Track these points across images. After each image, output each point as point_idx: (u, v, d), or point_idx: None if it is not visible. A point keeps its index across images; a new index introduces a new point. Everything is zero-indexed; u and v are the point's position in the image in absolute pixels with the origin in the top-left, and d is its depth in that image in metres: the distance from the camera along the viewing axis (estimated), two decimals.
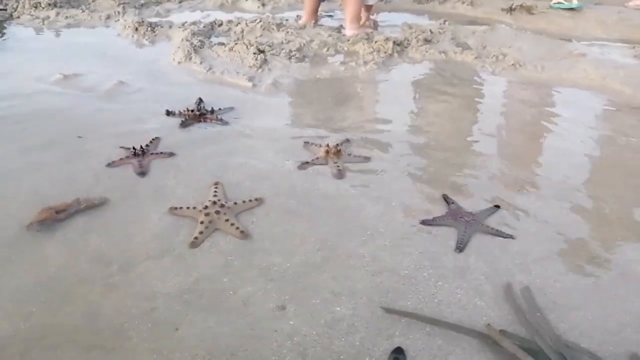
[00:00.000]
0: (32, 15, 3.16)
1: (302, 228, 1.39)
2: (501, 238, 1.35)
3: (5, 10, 3.25)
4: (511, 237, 1.35)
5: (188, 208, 1.44)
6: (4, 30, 2.98)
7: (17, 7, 3.25)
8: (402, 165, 1.68)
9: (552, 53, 2.45)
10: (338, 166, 1.64)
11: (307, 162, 1.67)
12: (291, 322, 1.11)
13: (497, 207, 1.46)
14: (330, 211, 1.46)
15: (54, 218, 1.43)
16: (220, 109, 1.99)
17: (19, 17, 3.16)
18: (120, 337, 1.08)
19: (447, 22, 2.87)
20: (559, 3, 3.42)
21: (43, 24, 3.07)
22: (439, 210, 1.45)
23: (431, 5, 3.36)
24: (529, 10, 3.05)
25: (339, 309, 1.14)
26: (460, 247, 1.31)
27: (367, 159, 1.70)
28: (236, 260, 1.28)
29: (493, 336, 1.05)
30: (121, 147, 1.74)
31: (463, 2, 3.29)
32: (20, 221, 1.39)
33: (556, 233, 1.38)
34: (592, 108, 2.06)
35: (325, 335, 1.08)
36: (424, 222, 1.41)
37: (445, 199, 1.49)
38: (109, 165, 1.66)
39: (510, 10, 3.09)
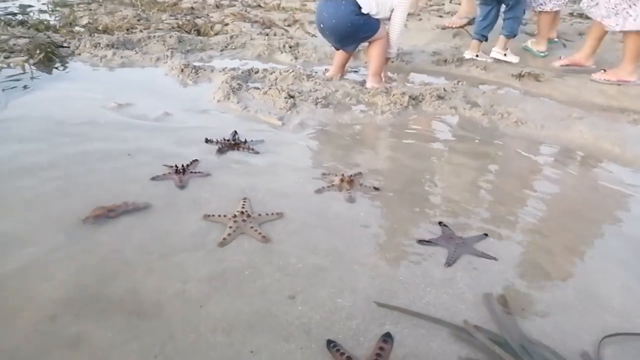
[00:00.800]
0: (91, 53, 3.57)
1: (316, 238, 1.62)
2: (485, 259, 1.55)
3: (68, 47, 3.69)
4: (494, 258, 1.56)
5: (219, 216, 1.69)
6: (67, 64, 3.38)
7: (79, 45, 3.68)
8: (407, 196, 1.91)
9: (552, 115, 2.71)
10: (350, 193, 1.88)
11: (324, 188, 1.92)
12: (299, 308, 1.32)
13: (486, 235, 1.68)
14: (341, 227, 1.69)
15: (106, 215, 1.70)
16: (252, 140, 2.28)
17: (80, 54, 3.57)
18: (156, 308, 1.31)
19: (460, 83, 3.17)
20: (527, 46, 3.95)
21: (101, 61, 3.47)
22: (435, 234, 1.67)
23: (448, 68, 3.68)
24: (536, 77, 3.34)
25: (340, 301, 1.35)
26: (449, 263, 1.52)
27: (376, 189, 1.94)
28: (257, 258, 1.51)
29: (468, 329, 1.25)
30: (165, 165, 2.02)
31: (477, 67, 3.60)
32: (78, 216, 1.66)
33: (531, 258, 1.58)
34: (581, 162, 2.29)
35: (327, 319, 1.29)
36: (420, 242, 1.63)
37: (441, 225, 1.72)
38: (153, 178, 1.94)
39: (520, 76, 3.38)
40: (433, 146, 2.44)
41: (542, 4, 3.66)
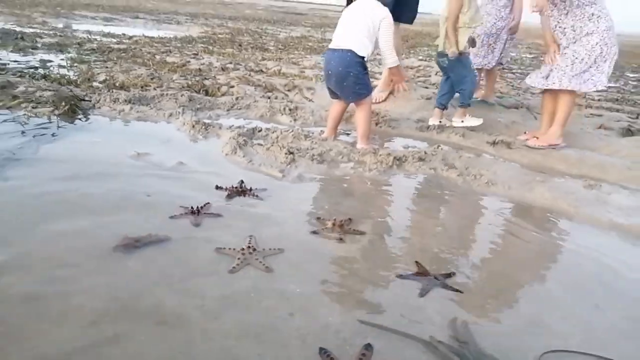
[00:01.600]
0: (110, 107, 3.96)
1: (311, 270, 1.93)
2: (452, 292, 1.86)
3: (90, 101, 4.07)
4: (460, 291, 1.87)
5: (229, 249, 2.00)
6: (89, 116, 3.75)
7: (99, 99, 4.06)
8: (388, 240, 2.24)
9: (519, 178, 3.09)
10: (340, 236, 2.21)
11: (318, 230, 2.25)
12: (297, 323, 1.61)
13: (453, 273, 2.00)
14: (332, 262, 2.01)
15: (133, 245, 1.99)
16: (256, 188, 2.61)
17: (100, 108, 3.95)
18: (179, 319, 1.58)
19: (440, 147, 3.57)
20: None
21: (119, 114, 3.85)
22: (411, 270, 1.99)
23: (430, 134, 4.10)
24: (508, 145, 3.77)
25: (331, 319, 1.64)
26: (422, 294, 1.83)
27: (362, 233, 2.27)
28: (261, 284, 1.81)
29: (434, 343, 1.54)
30: (181, 206, 2.34)
31: (456, 134, 4.03)
32: (109, 245, 1.96)
33: (490, 293, 1.90)
34: (539, 219, 2.65)
35: (320, 332, 1.57)
36: (399, 276, 1.94)
37: (417, 263, 2.03)
38: (171, 217, 2.25)
39: (494, 143, 3.81)
40: (413, 200, 2.79)
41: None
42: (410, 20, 4.61)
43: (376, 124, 4.21)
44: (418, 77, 7.03)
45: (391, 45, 3.33)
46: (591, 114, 5.12)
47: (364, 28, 3.27)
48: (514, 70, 9.21)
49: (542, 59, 3.88)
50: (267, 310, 1.66)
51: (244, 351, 1.47)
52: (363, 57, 3.29)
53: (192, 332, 1.53)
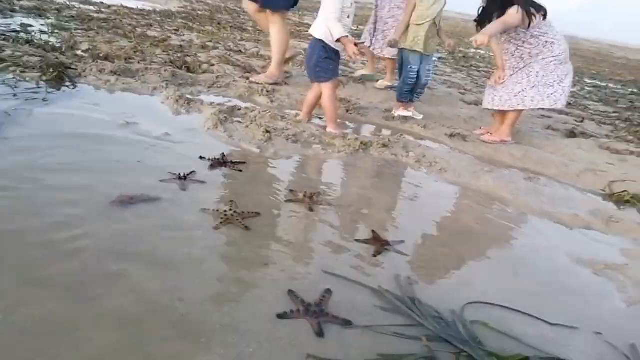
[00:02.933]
0: (96, 77, 4.15)
1: (284, 232, 2.27)
2: (400, 255, 2.24)
3: (76, 69, 4.25)
4: (406, 255, 2.24)
5: (213, 210, 2.31)
6: (76, 85, 3.94)
7: (85, 69, 4.24)
8: (351, 211, 2.60)
9: (469, 168, 3.50)
10: (310, 206, 2.54)
11: (290, 200, 2.58)
12: (270, 270, 1.94)
13: (403, 241, 2.37)
14: (302, 226, 2.35)
15: (128, 201, 2.26)
16: (236, 161, 2.92)
17: (86, 77, 4.14)
18: (170, 264, 1.89)
19: (402, 136, 3.95)
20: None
21: (105, 84, 4.05)
22: (368, 237, 2.35)
23: (395, 123, 4.48)
24: (464, 138, 4.18)
25: (299, 269, 1.98)
26: (375, 255, 2.19)
27: (329, 204, 2.61)
28: (240, 240, 2.12)
29: (381, 291, 1.91)
30: (169, 172, 2.61)
31: (419, 125, 4.42)
32: (107, 200, 2.23)
33: (432, 258, 2.28)
34: (479, 202, 3.06)
35: (289, 279, 1.90)
36: (357, 240, 2.30)
37: (373, 232, 2.39)
38: (161, 181, 2.53)
39: (451, 136, 4.21)
40: (374, 180, 3.16)
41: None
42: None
43: (347, 111, 4.55)
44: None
45: (330, 18, 3.49)
46: (542, 115, 5.61)
47: (321, 10, 3.59)
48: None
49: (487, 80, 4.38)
50: (244, 260, 1.99)
51: (225, 289, 1.79)
52: (322, 40, 3.57)
53: (181, 273, 1.83)
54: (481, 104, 5.42)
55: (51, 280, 1.66)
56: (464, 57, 11.46)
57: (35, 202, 2.11)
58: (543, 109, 5.93)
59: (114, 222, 2.08)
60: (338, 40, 3.49)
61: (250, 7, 4.91)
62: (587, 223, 2.94)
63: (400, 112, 4.67)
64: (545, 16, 3.82)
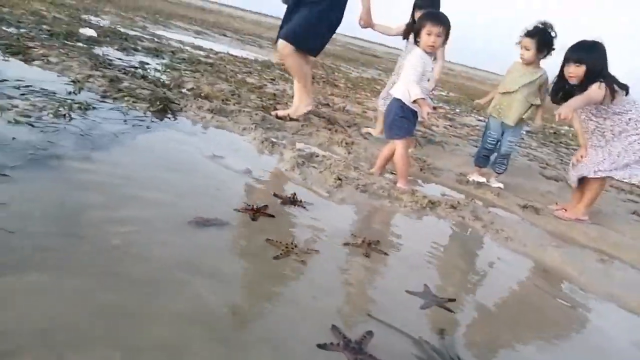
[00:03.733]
0: (195, 113, 4.60)
1: (338, 271, 2.39)
2: (447, 311, 2.26)
3: (179, 104, 4.75)
4: (453, 312, 2.26)
5: (277, 241, 2.49)
6: (177, 117, 4.41)
7: (186, 104, 4.73)
8: (406, 264, 2.67)
9: (536, 240, 3.44)
10: (367, 252, 2.65)
11: (350, 244, 2.71)
12: (318, 304, 2.06)
13: (454, 299, 2.39)
14: (356, 269, 2.46)
15: (202, 222, 2.51)
16: (305, 201, 3.12)
17: (186, 112, 4.61)
18: (231, 278, 2.08)
19: (473, 200, 3.97)
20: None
21: (201, 120, 4.48)
22: (419, 289, 2.40)
23: (468, 188, 4.50)
24: (537, 210, 4.11)
25: (345, 308, 2.09)
26: (423, 307, 2.24)
27: (386, 253, 2.70)
28: (295, 272, 2.28)
29: (421, 341, 1.96)
30: (244, 203, 2.85)
31: (492, 192, 4.41)
32: (184, 219, 2.49)
33: (481, 320, 2.28)
34: (539, 275, 2.98)
35: (334, 315, 2.01)
36: (408, 291, 2.36)
37: (425, 285, 2.44)
38: (235, 210, 2.76)
39: (524, 207, 4.16)
40: (435, 238, 3.21)
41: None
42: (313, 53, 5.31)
43: (420, 170, 4.65)
44: (471, 135, 7.42)
45: (410, 80, 3.70)
46: (628, 199, 5.34)
47: (402, 72, 3.82)
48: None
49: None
50: (296, 290, 2.14)
51: (273, 311, 1.93)
52: (400, 100, 3.77)
53: (237, 290, 2.02)
54: (561, 180, 5.33)
55: (127, 276, 1.90)
56: (554, 132, 11.17)
57: (122, 209, 2.42)
58: (632, 192, 5.68)
59: (187, 238, 2.32)
60: (415, 102, 3.67)
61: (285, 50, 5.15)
62: None
63: (475, 176, 4.70)
64: (627, 92, 3.76)
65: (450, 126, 8.10)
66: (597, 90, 3.70)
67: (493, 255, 3.17)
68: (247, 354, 1.64)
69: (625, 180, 4.05)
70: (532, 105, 4.43)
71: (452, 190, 4.42)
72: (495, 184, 4.68)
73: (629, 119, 3.79)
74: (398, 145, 3.90)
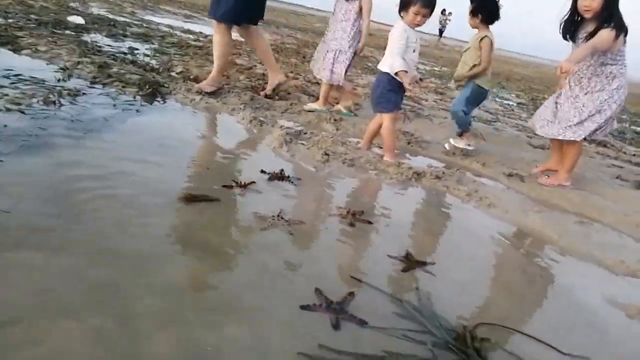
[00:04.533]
0: (184, 95, 4.67)
1: (324, 240, 2.50)
2: (428, 274, 2.38)
3: (168, 87, 4.81)
4: (433, 274, 2.38)
5: (264, 214, 2.60)
6: (166, 101, 4.47)
7: (175, 88, 4.80)
8: (389, 232, 2.78)
9: (519, 206, 3.55)
10: (352, 222, 2.76)
11: (335, 214, 2.81)
12: (304, 270, 2.17)
13: (434, 263, 2.51)
14: (342, 238, 2.57)
15: (192, 199, 2.61)
16: (293, 176, 3.21)
17: (175, 95, 4.67)
18: (218, 249, 2.18)
19: (458, 170, 4.07)
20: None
21: (190, 102, 4.55)
22: (399, 254, 2.52)
23: (454, 158, 4.60)
24: (521, 178, 4.21)
25: (329, 272, 2.21)
26: (404, 270, 2.36)
27: (370, 222, 2.81)
28: (282, 241, 2.39)
29: (401, 299, 2.07)
30: (232, 180, 2.95)
31: (478, 162, 4.51)
32: (176, 196, 2.59)
33: (461, 280, 2.40)
34: (518, 238, 3.10)
35: (318, 278, 2.13)
36: (390, 256, 2.47)
37: (407, 252, 2.56)
38: (223, 186, 2.86)
39: (509, 175, 4.26)
40: (418, 207, 3.32)
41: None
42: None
43: (408, 143, 4.74)
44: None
45: (394, 52, 3.75)
46: (613, 165, 5.45)
47: (388, 45, 3.88)
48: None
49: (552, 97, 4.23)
50: (283, 258, 2.24)
51: (260, 279, 2.04)
52: (387, 73, 3.82)
53: (228, 260, 2.13)
54: (547, 148, 5.41)
55: (118, 251, 2.00)
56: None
57: (113, 188, 2.52)
58: (617, 158, 5.78)
59: (178, 213, 2.43)
60: (397, 74, 3.73)
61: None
62: (633, 271, 2.89)
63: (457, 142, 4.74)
64: (626, 34, 3.59)
65: (440, 100, 8.16)
66: (607, 37, 3.46)
67: (475, 222, 3.28)
68: (237, 319, 1.75)
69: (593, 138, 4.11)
70: (474, 65, 4.48)
71: (438, 162, 4.52)
72: (459, 143, 4.72)
73: (609, 72, 3.75)
74: (385, 119, 3.97)
